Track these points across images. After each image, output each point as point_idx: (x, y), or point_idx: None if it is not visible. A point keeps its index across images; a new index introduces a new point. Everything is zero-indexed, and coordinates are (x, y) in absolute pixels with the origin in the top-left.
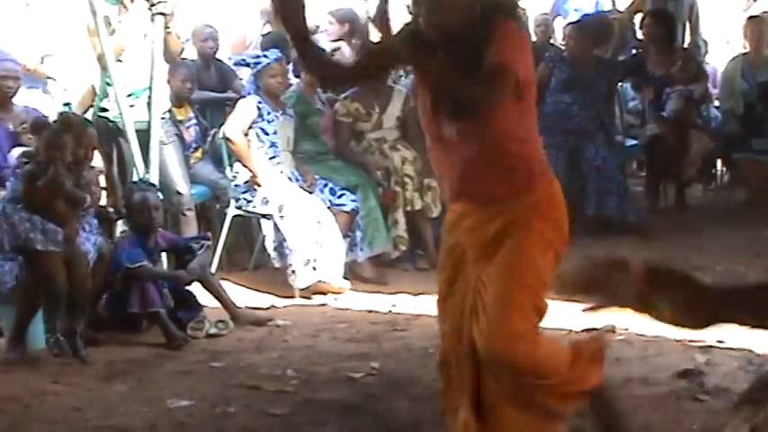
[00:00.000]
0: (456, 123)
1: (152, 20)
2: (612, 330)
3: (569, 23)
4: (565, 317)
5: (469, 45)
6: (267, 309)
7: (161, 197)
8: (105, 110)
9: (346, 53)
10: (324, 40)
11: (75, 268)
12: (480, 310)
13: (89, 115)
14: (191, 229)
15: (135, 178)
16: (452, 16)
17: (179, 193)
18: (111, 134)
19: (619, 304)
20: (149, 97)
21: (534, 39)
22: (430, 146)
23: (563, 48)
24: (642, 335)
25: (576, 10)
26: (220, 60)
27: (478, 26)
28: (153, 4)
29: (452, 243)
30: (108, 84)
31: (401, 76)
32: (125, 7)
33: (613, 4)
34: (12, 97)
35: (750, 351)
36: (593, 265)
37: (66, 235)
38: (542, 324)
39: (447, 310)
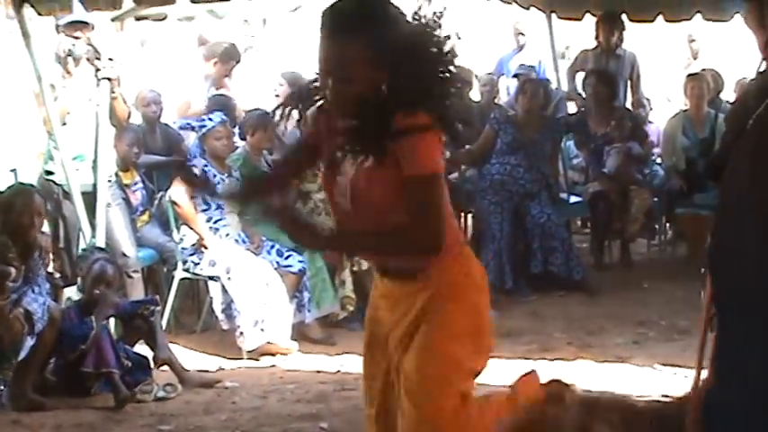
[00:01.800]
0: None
1: (97, 84)
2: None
3: (525, 78)
4: (510, 373)
5: (371, 125)
6: (215, 371)
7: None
8: (51, 173)
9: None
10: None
11: (5, 332)
12: (402, 405)
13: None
14: (137, 291)
15: (81, 241)
16: (354, 88)
17: (125, 255)
18: (56, 197)
19: None
20: (94, 161)
21: (479, 98)
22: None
23: (507, 107)
24: (589, 390)
25: (519, 67)
26: (165, 124)
27: (383, 107)
28: (98, 69)
29: (375, 324)
30: (53, 148)
31: None
32: (69, 72)
33: (555, 63)
34: None
35: None
36: (532, 409)
37: None
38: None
39: (373, 393)
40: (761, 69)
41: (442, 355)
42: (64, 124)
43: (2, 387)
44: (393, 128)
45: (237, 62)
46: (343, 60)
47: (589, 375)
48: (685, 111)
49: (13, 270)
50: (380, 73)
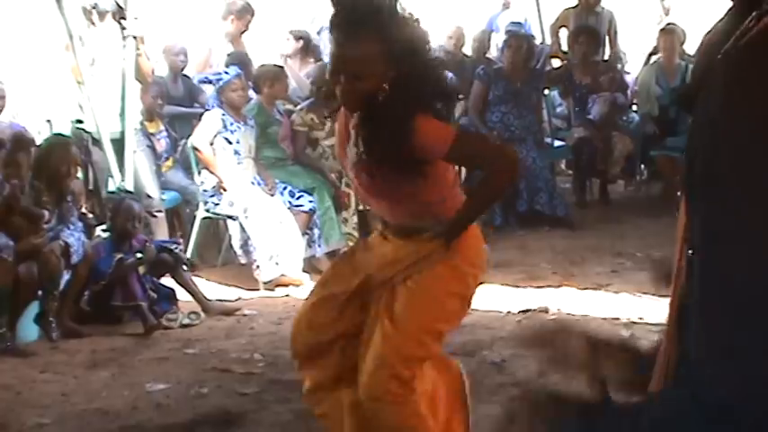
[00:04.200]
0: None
1: (123, 41)
2: (546, 311)
3: (510, 33)
4: (501, 299)
5: (384, 116)
6: (235, 300)
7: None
8: (81, 121)
9: (294, 67)
10: (280, 55)
11: (43, 266)
12: (370, 348)
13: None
14: (161, 228)
15: (111, 185)
16: (364, 85)
17: (149, 196)
18: (85, 144)
19: (565, 367)
20: (121, 110)
21: (471, 52)
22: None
23: (495, 61)
24: (572, 314)
25: (510, 24)
26: (187, 76)
27: (393, 101)
28: (124, 28)
29: (359, 261)
30: (83, 98)
31: None
32: (92, 23)
33: (540, 21)
34: None
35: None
36: (544, 330)
37: (27, 245)
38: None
39: (319, 314)
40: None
41: (422, 318)
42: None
43: (51, 319)
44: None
45: (252, 15)
46: (355, 58)
47: (572, 301)
48: (656, 62)
49: (46, 213)
50: (388, 70)
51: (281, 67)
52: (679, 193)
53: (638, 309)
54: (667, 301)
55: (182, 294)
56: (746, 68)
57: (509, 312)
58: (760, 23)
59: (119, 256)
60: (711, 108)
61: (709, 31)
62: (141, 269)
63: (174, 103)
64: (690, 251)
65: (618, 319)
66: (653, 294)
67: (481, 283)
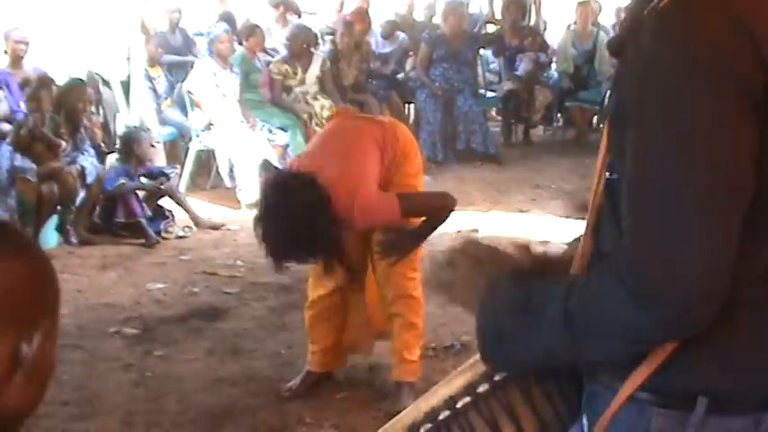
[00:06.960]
0: None
1: None
2: (476, 231)
3: (451, 4)
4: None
5: None
6: (221, 217)
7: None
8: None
9: (276, 32)
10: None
11: (62, 186)
12: None
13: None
14: (159, 156)
15: (119, 119)
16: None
17: (149, 129)
18: (97, 85)
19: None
20: (128, 58)
21: (422, 18)
22: None
23: (441, 26)
24: (500, 237)
25: None
26: (183, 29)
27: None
28: None
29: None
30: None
31: (318, 44)
32: None
33: None
34: (22, 58)
35: None
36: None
37: (48, 168)
38: None
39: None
40: None
41: None
42: None
43: (68, 227)
44: None
45: None
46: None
47: (499, 223)
48: (572, 28)
49: (63, 143)
50: None
51: (257, 24)
52: (602, 126)
53: (552, 230)
54: (574, 223)
55: (178, 212)
56: (667, 24)
57: (446, 231)
58: None
59: (122, 180)
60: (635, 55)
61: None
62: (141, 194)
63: (173, 52)
64: (608, 173)
65: (534, 238)
66: (564, 217)
67: None
